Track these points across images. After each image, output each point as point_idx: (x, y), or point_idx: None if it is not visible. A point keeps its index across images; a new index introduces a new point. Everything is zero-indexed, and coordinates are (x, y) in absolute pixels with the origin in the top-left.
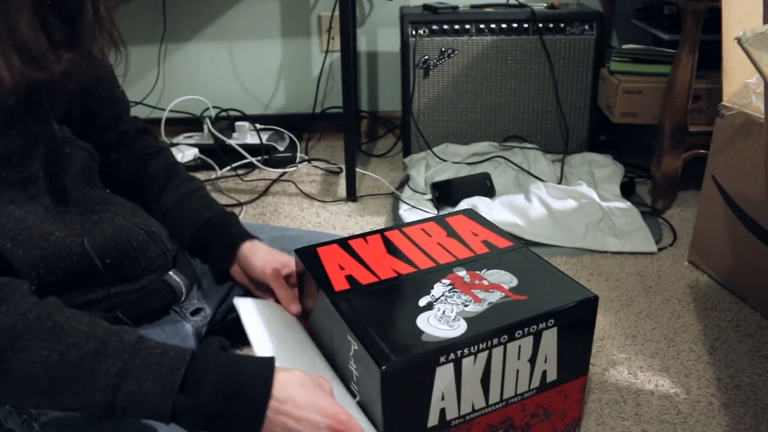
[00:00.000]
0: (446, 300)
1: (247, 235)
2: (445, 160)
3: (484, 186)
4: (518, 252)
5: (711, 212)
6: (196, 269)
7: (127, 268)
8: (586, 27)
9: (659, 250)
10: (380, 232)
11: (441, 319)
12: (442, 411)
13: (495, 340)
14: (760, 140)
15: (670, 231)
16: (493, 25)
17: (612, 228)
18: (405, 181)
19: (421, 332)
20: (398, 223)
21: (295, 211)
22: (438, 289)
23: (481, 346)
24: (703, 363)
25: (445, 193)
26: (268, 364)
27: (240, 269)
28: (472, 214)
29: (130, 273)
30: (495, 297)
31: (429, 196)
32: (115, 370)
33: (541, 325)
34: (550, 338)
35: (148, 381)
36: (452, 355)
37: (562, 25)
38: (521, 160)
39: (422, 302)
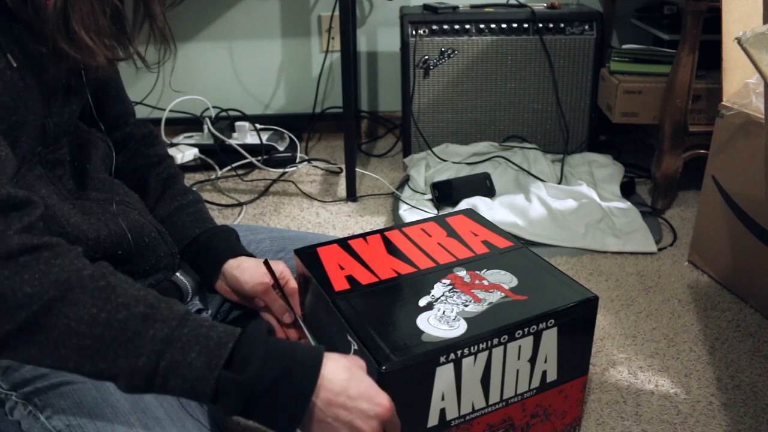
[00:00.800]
0: (446, 300)
1: (234, 252)
2: (445, 160)
3: (484, 186)
4: (518, 252)
5: (711, 212)
6: None
7: (136, 263)
8: (586, 27)
9: (659, 250)
10: (380, 232)
11: (441, 319)
12: (442, 411)
13: (495, 340)
14: (760, 140)
15: (670, 231)
16: (493, 25)
17: (612, 228)
18: (405, 181)
19: (421, 332)
20: (398, 223)
21: (295, 211)
22: (438, 289)
23: (481, 346)
24: (703, 363)
25: (445, 193)
26: (317, 351)
27: (226, 286)
28: (472, 214)
29: (138, 269)
30: (495, 297)
31: (429, 196)
32: (162, 336)
33: (541, 325)
34: (550, 338)
35: (194, 352)
36: (452, 355)
37: (562, 25)
38: (521, 160)
39: (422, 302)
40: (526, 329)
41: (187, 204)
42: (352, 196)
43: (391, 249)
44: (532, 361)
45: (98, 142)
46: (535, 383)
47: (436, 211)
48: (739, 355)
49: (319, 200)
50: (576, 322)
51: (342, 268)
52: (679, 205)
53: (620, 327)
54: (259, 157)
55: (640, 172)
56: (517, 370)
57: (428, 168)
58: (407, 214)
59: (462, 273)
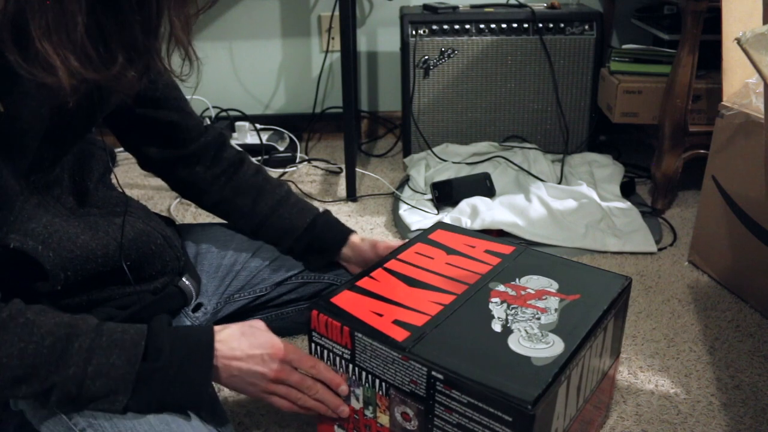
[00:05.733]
0: (516, 319)
1: (348, 228)
2: (445, 160)
3: (484, 186)
4: (527, 254)
5: (711, 212)
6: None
7: (143, 270)
8: (586, 27)
9: (659, 250)
10: (380, 266)
11: (530, 338)
12: (556, 431)
13: (588, 344)
14: (760, 140)
15: (670, 231)
16: (493, 25)
17: (612, 228)
18: (405, 181)
19: (527, 358)
20: (388, 256)
21: None
22: (498, 311)
23: (581, 353)
24: (703, 363)
25: (445, 193)
26: (208, 330)
27: (353, 257)
28: (446, 226)
29: (145, 275)
30: (553, 303)
31: (429, 196)
32: (86, 346)
33: (607, 318)
34: (609, 328)
35: (114, 354)
36: (566, 371)
37: (562, 25)
38: (521, 160)
39: (496, 327)
40: (600, 325)
41: (286, 195)
42: (352, 196)
43: (408, 280)
44: (600, 354)
45: (99, 153)
46: (599, 375)
47: (436, 211)
48: (739, 355)
49: (319, 200)
50: (622, 306)
51: (380, 315)
52: (679, 205)
53: None
54: (259, 157)
55: (640, 172)
56: (593, 368)
57: (428, 168)
58: (407, 214)
59: (501, 288)
